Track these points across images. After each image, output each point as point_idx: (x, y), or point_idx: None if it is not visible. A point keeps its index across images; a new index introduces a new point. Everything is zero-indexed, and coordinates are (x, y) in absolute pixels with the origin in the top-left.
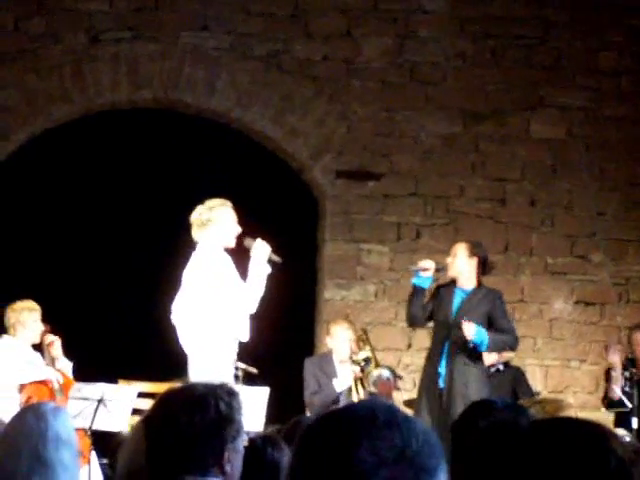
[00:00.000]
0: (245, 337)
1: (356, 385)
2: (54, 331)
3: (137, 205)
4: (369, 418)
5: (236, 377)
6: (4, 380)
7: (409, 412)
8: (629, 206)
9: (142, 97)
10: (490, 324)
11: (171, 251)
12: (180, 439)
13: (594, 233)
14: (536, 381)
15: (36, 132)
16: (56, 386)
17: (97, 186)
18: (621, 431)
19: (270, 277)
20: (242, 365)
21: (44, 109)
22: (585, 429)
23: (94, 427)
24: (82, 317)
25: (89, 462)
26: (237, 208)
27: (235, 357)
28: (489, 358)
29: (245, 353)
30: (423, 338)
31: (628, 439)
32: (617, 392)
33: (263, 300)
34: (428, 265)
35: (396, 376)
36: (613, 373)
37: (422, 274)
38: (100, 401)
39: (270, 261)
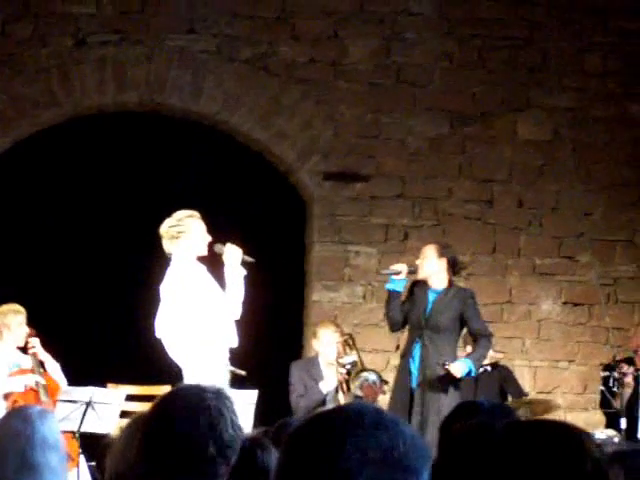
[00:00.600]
0: (234, 343)
1: (342, 388)
2: (39, 335)
3: (124, 208)
4: (356, 419)
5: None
6: None
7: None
8: (616, 207)
9: (129, 100)
10: (462, 323)
11: (159, 255)
12: (179, 443)
13: (581, 234)
14: (524, 382)
15: (22, 136)
16: (39, 389)
17: (84, 190)
18: (611, 432)
19: (257, 279)
20: (231, 368)
21: (30, 113)
22: (560, 431)
23: (83, 430)
24: (70, 321)
25: (78, 465)
26: (224, 211)
27: (227, 362)
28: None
29: (233, 356)
30: None
31: (617, 440)
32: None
33: (251, 302)
34: (400, 268)
35: (382, 380)
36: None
37: (395, 278)
38: (89, 404)
39: (244, 263)
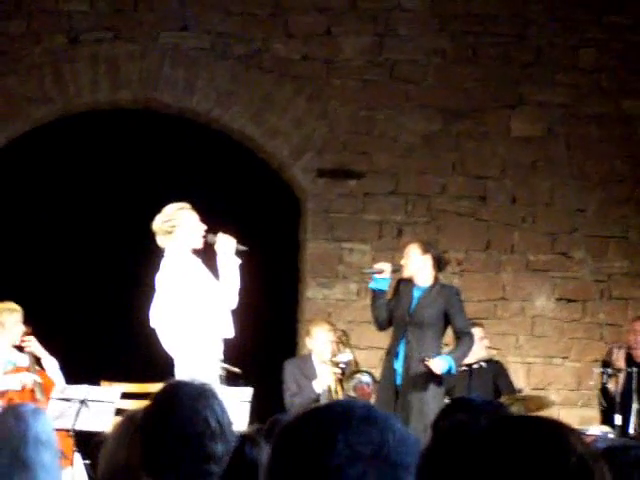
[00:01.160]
0: (231, 333)
1: (336, 386)
2: (35, 332)
3: (118, 205)
4: (346, 414)
5: (219, 377)
6: None
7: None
8: (610, 203)
9: (122, 97)
10: (446, 320)
11: (153, 251)
12: (175, 440)
13: (575, 230)
14: (518, 378)
15: (16, 133)
16: (35, 387)
17: (78, 187)
18: (605, 428)
19: (251, 276)
20: (225, 365)
21: (24, 110)
22: (544, 426)
23: (77, 428)
24: (64, 318)
25: (72, 463)
26: (217, 207)
27: (221, 356)
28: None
29: (227, 353)
30: None
31: (611, 436)
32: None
33: (244, 299)
34: (383, 267)
35: (375, 381)
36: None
37: (378, 276)
38: (83, 402)
39: (238, 252)
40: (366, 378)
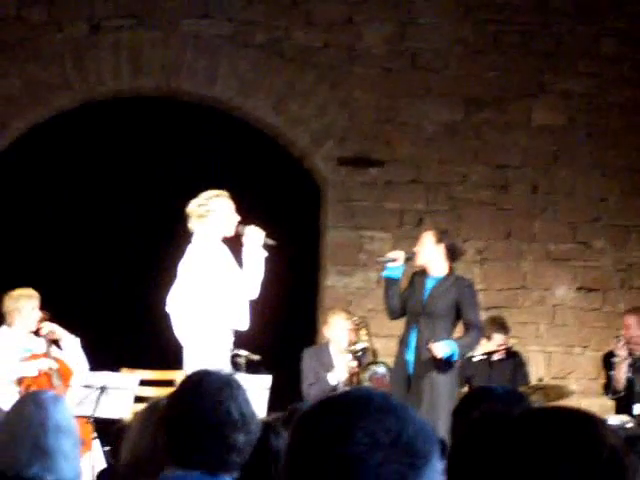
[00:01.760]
0: (244, 326)
1: (352, 380)
2: (53, 319)
3: (138, 193)
4: (365, 402)
5: (237, 364)
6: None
7: None
8: (631, 192)
9: (143, 85)
10: (458, 311)
11: (174, 239)
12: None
13: (596, 219)
14: (538, 367)
15: (37, 121)
16: (54, 374)
17: (98, 174)
18: (623, 417)
19: (272, 264)
20: (244, 352)
21: (45, 98)
22: (576, 418)
23: (97, 415)
24: (85, 306)
25: (91, 449)
26: (238, 196)
27: (231, 347)
28: (483, 347)
29: (247, 340)
30: None
31: (630, 425)
32: (623, 382)
33: (264, 287)
34: (397, 255)
35: (390, 372)
36: (620, 363)
37: (391, 265)
38: (103, 389)
39: (265, 245)
40: (381, 369)
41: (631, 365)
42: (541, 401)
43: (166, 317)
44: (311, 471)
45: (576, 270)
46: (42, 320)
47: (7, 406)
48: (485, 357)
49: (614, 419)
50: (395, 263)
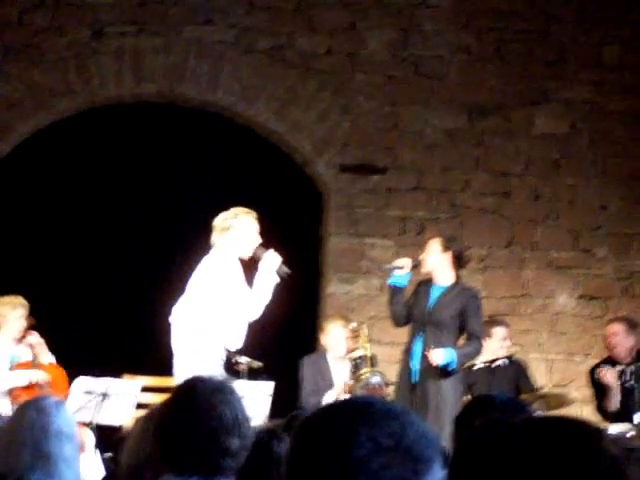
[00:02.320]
0: (236, 346)
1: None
2: (44, 326)
3: (140, 199)
4: (367, 408)
5: (239, 371)
6: None
7: None
8: (633, 200)
9: (146, 91)
10: (463, 321)
11: (175, 246)
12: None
13: (598, 227)
14: (540, 375)
15: (40, 125)
16: (43, 384)
17: (100, 180)
18: (624, 426)
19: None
20: (246, 359)
21: (48, 103)
22: (577, 428)
23: (98, 421)
24: (87, 311)
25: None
26: (240, 202)
27: (222, 361)
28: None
29: (249, 347)
30: None
31: (633, 433)
32: (616, 405)
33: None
34: (403, 263)
35: (386, 381)
36: (608, 390)
37: (397, 272)
38: (104, 395)
39: (279, 272)
40: (375, 379)
41: (632, 373)
42: (542, 409)
43: (168, 324)
44: (313, 475)
45: (578, 278)
46: (29, 327)
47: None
48: (487, 365)
49: (615, 428)
50: (401, 271)
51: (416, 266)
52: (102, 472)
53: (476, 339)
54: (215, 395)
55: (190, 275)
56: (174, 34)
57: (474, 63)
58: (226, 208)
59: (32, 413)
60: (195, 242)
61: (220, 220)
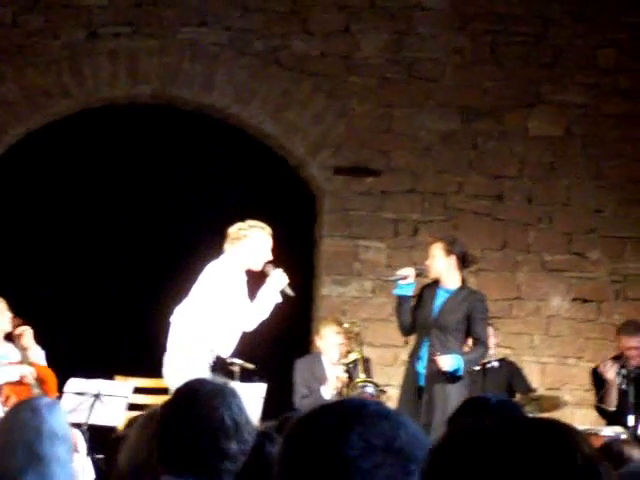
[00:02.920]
0: (225, 354)
1: (342, 392)
2: (25, 323)
3: (134, 200)
4: (359, 408)
5: (232, 373)
6: None
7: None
8: (627, 203)
9: (140, 92)
10: (468, 325)
11: (170, 247)
12: (195, 441)
13: (592, 230)
14: (533, 378)
15: (34, 127)
16: (32, 381)
17: (95, 181)
18: (617, 428)
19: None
20: (239, 361)
21: (42, 104)
22: (550, 427)
23: (91, 422)
24: (80, 312)
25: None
26: (234, 204)
27: (207, 366)
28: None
29: (242, 349)
30: None
31: (624, 437)
32: (614, 403)
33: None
34: (407, 272)
35: (380, 390)
36: (607, 386)
37: (402, 282)
38: (97, 396)
39: (283, 293)
40: (369, 389)
41: (625, 376)
42: (535, 412)
43: (162, 325)
44: (305, 475)
45: (571, 281)
46: (16, 325)
47: None
48: (480, 366)
49: (608, 430)
50: (405, 280)
51: (420, 274)
52: (92, 474)
53: (482, 344)
54: (216, 398)
55: (189, 277)
56: (169, 36)
57: (469, 66)
58: (220, 210)
59: (25, 414)
60: (189, 243)
61: (235, 229)
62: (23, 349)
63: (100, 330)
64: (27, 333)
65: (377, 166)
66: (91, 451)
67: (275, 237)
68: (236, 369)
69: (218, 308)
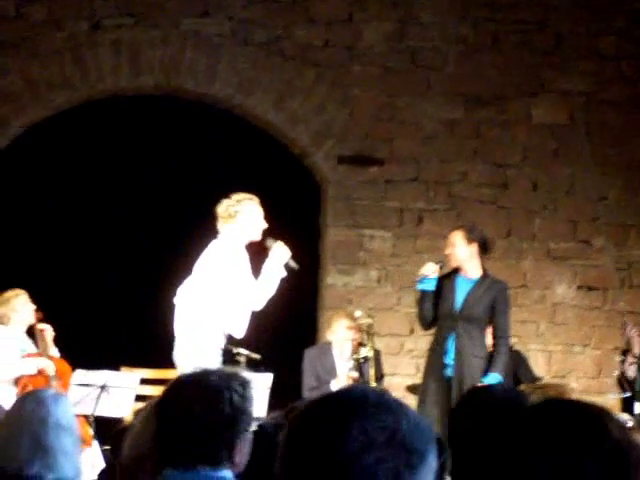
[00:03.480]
0: (239, 334)
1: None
2: (46, 320)
3: (138, 191)
4: (360, 400)
5: (238, 363)
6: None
7: (412, 398)
8: (631, 190)
9: (143, 83)
10: (491, 315)
11: (174, 238)
12: (193, 430)
13: (596, 218)
14: (539, 366)
15: (37, 119)
16: (51, 373)
17: (99, 172)
18: (624, 416)
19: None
20: (245, 351)
21: (45, 96)
22: (582, 410)
23: (97, 414)
24: (85, 304)
25: (90, 446)
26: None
27: (221, 348)
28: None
29: (247, 339)
30: None
31: (631, 424)
32: (632, 371)
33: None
34: (430, 270)
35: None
36: (629, 356)
37: (427, 278)
38: (103, 388)
39: (287, 266)
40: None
41: (632, 363)
42: (541, 400)
43: (167, 316)
44: (306, 469)
45: (576, 269)
46: (37, 321)
47: (6, 405)
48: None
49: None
50: (431, 275)
51: (442, 266)
52: (102, 464)
53: (501, 339)
54: (219, 385)
55: (194, 259)
56: (171, 26)
57: (471, 54)
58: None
59: (31, 405)
60: (193, 234)
61: (224, 208)
62: (44, 345)
63: (106, 321)
64: (47, 332)
65: (381, 155)
66: (100, 442)
67: (280, 227)
68: (242, 359)
69: (225, 287)
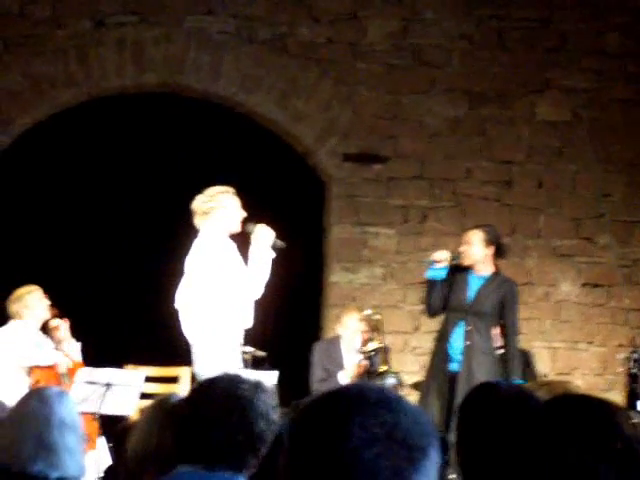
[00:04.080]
0: (247, 324)
1: (363, 378)
2: (61, 316)
3: (142, 189)
4: (360, 396)
5: (243, 361)
6: (13, 363)
7: (415, 395)
8: (635, 188)
9: (147, 81)
10: (500, 312)
11: (177, 236)
12: (223, 438)
13: (600, 215)
14: (543, 363)
15: (41, 117)
16: (63, 370)
17: (102, 170)
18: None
19: (276, 260)
20: (250, 349)
21: (49, 94)
22: (595, 407)
23: (102, 412)
24: (90, 302)
25: (96, 447)
26: (242, 193)
27: (241, 343)
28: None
29: (252, 337)
30: (430, 321)
31: (635, 421)
32: None
33: (269, 284)
34: (442, 257)
35: (401, 383)
36: None
37: (436, 265)
38: (108, 385)
39: (274, 246)
40: (391, 381)
41: (636, 361)
42: (546, 397)
43: (171, 313)
44: (308, 466)
45: (580, 266)
46: (52, 317)
47: (16, 395)
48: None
49: None
50: (440, 264)
51: (455, 260)
52: (108, 461)
53: (513, 338)
54: (243, 391)
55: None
56: (175, 24)
57: (475, 51)
58: None
59: (35, 403)
60: (197, 231)
61: (200, 203)
62: (58, 341)
63: (111, 319)
64: (62, 326)
65: (385, 153)
66: (105, 440)
67: (284, 225)
68: (247, 357)
69: (223, 284)
